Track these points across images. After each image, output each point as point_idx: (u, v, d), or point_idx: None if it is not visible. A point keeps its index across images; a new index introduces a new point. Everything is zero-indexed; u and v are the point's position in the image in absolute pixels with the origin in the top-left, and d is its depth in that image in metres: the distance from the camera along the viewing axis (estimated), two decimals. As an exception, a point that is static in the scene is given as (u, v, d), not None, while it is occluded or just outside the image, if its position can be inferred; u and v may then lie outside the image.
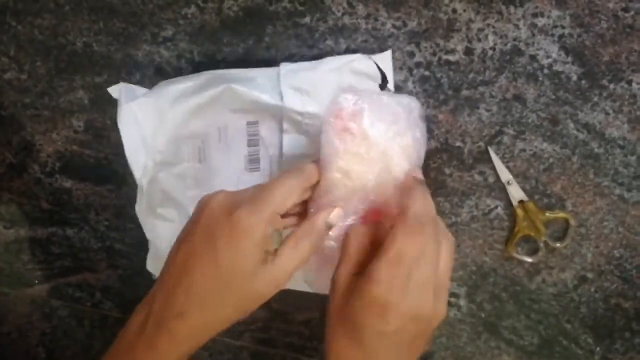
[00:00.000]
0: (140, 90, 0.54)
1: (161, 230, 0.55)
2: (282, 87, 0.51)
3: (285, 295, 0.48)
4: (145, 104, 0.51)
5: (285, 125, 0.52)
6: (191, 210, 0.55)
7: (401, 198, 0.41)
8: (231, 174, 0.55)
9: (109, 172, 0.58)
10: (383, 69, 0.51)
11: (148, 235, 0.55)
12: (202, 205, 0.39)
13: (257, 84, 0.51)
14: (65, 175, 0.59)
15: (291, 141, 0.53)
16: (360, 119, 0.41)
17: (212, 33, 0.53)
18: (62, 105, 0.57)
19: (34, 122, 0.58)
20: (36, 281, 0.64)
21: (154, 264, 0.56)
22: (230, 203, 0.38)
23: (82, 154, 0.59)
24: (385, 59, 0.51)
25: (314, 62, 0.52)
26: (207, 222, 0.38)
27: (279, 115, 0.52)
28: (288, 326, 0.61)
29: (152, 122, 0.52)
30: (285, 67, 0.51)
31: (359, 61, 0.51)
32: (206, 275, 0.37)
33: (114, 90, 0.53)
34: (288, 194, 0.39)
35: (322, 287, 0.44)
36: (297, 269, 0.39)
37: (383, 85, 0.51)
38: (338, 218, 0.41)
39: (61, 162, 0.59)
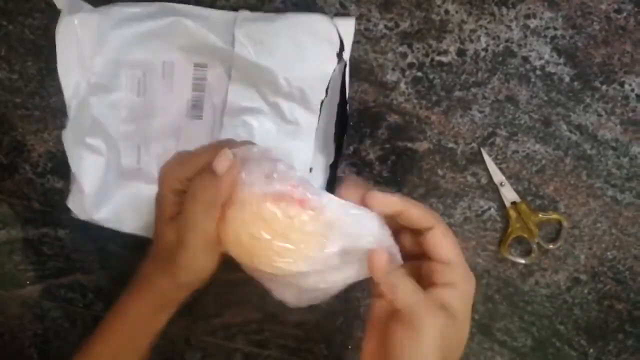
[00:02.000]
0: (86, 6, 0.50)
1: (87, 163, 0.51)
2: (236, 33, 0.48)
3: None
4: (87, 19, 0.48)
5: (234, 74, 0.50)
6: (122, 146, 0.54)
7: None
8: (172, 118, 0.52)
9: (101, 172, 0.58)
10: (343, 37, 0.48)
11: (73, 167, 0.51)
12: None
13: (210, 24, 0.49)
14: (57, 176, 0.59)
15: (238, 92, 0.50)
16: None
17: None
18: (54, 105, 0.57)
19: (25, 122, 0.57)
20: (28, 282, 0.64)
21: (75, 202, 0.52)
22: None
23: (74, 154, 0.58)
24: (347, 26, 0.48)
25: (273, 15, 0.49)
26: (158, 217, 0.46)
27: (229, 63, 0.50)
28: (282, 328, 0.60)
29: (91, 40, 0.49)
30: (243, 14, 0.49)
31: (321, 22, 0.48)
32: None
33: (58, 1, 0.49)
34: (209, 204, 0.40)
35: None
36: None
37: (340, 54, 0.48)
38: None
39: (53, 163, 0.59)
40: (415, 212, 0.38)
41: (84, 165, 0.51)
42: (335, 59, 0.48)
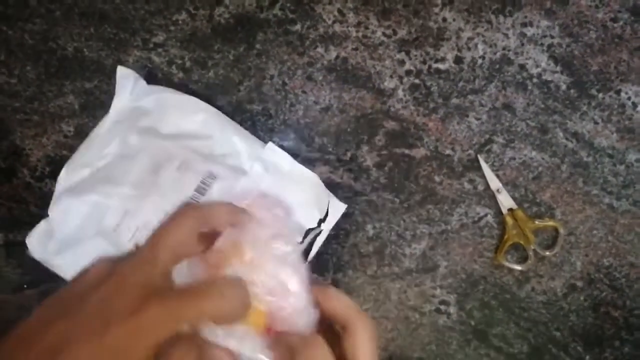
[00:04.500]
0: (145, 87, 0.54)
1: (73, 207, 0.54)
2: (255, 160, 0.53)
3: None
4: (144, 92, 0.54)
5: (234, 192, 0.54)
6: (113, 205, 0.54)
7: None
8: (164, 205, 0.54)
9: (99, 177, 0.58)
10: (331, 213, 0.54)
11: (52, 208, 0.54)
12: (75, 298, 0.29)
13: (239, 145, 0.53)
14: (55, 180, 0.59)
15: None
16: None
17: (203, 40, 0.53)
18: (52, 110, 0.57)
19: (24, 126, 0.58)
20: (25, 286, 0.64)
21: (37, 241, 0.54)
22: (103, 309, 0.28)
23: (72, 159, 0.58)
24: (338, 207, 0.54)
25: (293, 162, 0.53)
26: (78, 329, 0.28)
27: (237, 182, 0.53)
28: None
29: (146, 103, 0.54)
30: (272, 147, 0.53)
31: (322, 193, 0.53)
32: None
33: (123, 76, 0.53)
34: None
35: None
36: None
37: (320, 221, 0.53)
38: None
39: (51, 167, 0.59)
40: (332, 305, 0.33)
41: (67, 209, 0.54)
42: (315, 224, 0.54)
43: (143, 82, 0.54)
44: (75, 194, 0.54)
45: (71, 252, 0.55)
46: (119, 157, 0.54)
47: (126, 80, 0.54)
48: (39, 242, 0.55)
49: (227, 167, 0.53)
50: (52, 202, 0.54)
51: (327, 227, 0.54)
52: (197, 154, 0.54)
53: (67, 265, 0.55)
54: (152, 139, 0.54)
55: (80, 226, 0.55)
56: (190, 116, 0.53)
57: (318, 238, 0.54)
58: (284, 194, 0.52)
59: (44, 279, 0.63)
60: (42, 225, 0.55)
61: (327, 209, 0.54)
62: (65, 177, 0.54)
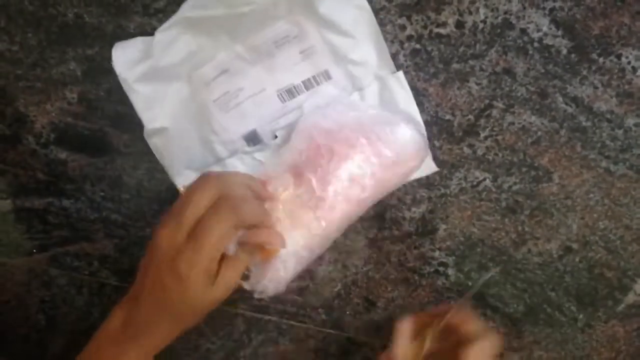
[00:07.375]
0: None
1: (180, 38, 0.50)
2: (377, 80, 0.52)
3: (277, 265, 0.49)
4: None
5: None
6: (219, 58, 0.52)
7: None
8: (266, 80, 0.52)
9: (104, 143, 0.59)
10: (420, 170, 0.54)
11: (162, 31, 0.50)
12: (152, 247, 0.44)
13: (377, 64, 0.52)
14: (60, 147, 0.60)
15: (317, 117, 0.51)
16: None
17: (204, 4, 0.53)
18: (55, 77, 0.57)
19: (27, 93, 0.58)
20: (34, 250, 0.65)
21: (129, 58, 0.51)
22: (172, 250, 0.42)
23: (77, 125, 0.59)
24: (429, 168, 0.55)
25: (410, 103, 0.53)
26: (157, 265, 0.43)
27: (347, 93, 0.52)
28: (281, 294, 0.62)
29: None
30: (400, 77, 0.52)
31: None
32: (160, 308, 0.44)
33: None
34: (223, 239, 0.42)
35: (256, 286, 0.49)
36: (236, 283, 0.45)
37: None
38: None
39: (56, 134, 0.59)
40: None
41: (176, 39, 0.50)
42: None
43: None
44: (192, 28, 0.49)
45: (155, 85, 0.51)
46: (262, 11, 0.49)
47: None
48: (129, 58, 0.50)
49: (348, 75, 0.52)
50: (166, 23, 0.49)
51: (410, 177, 0.54)
52: (328, 47, 0.52)
53: (143, 96, 0.51)
54: (301, 12, 0.50)
55: (179, 64, 0.51)
56: (346, 7, 0.50)
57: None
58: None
59: (52, 243, 0.64)
60: (139, 41, 0.50)
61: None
62: (194, 4, 0.49)
